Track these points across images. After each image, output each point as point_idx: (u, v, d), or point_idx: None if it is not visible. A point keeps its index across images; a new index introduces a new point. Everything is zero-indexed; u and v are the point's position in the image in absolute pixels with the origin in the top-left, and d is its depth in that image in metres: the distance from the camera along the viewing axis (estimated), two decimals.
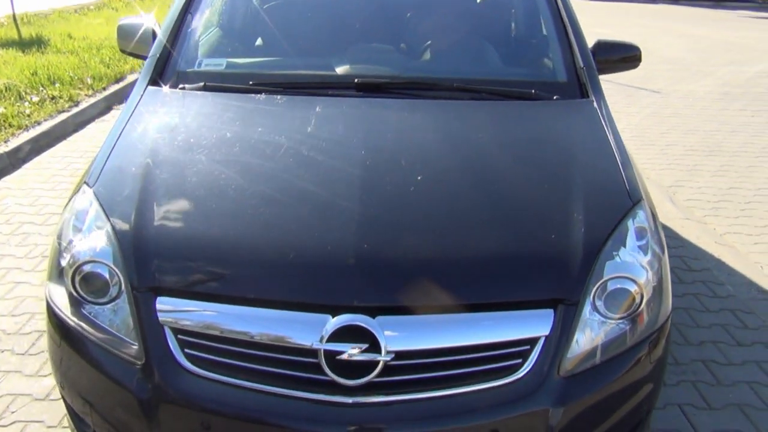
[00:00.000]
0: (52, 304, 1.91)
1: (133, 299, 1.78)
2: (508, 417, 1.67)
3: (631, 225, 1.95)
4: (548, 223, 1.89)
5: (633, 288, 1.81)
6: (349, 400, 1.66)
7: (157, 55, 2.60)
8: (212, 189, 1.97)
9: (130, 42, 2.94)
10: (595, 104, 2.44)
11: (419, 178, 2.00)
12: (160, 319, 1.75)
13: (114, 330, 1.80)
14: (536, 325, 1.73)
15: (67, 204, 2.10)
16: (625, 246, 1.89)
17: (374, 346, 1.66)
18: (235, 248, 1.80)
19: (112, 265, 1.83)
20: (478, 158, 2.14)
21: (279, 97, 2.39)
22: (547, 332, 1.72)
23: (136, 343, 1.75)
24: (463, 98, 2.46)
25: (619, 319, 1.81)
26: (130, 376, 1.74)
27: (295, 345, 1.68)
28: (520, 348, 1.73)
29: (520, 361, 1.72)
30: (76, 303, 1.87)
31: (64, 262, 1.90)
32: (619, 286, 1.81)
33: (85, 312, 1.85)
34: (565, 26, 2.73)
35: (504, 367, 1.72)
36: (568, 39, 2.68)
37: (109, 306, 1.83)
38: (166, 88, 2.49)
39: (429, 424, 1.66)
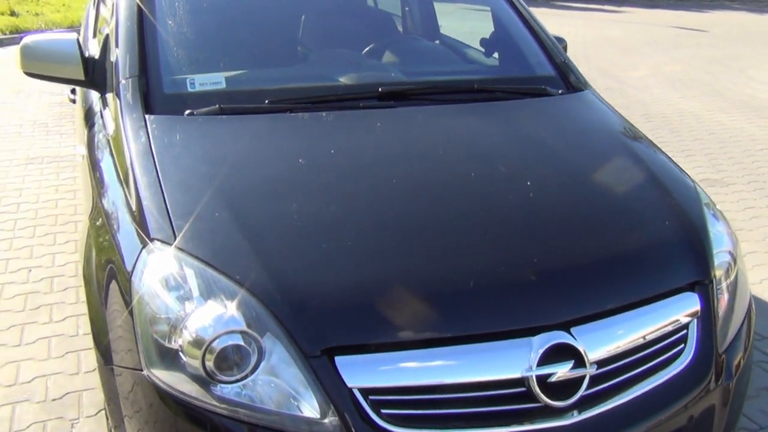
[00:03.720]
0: (177, 395, 1.54)
1: (309, 366, 1.51)
2: (698, 397, 1.73)
3: (701, 200, 2.12)
4: (657, 212, 1.97)
5: (728, 258, 1.98)
6: (568, 421, 1.59)
7: (136, 77, 2.18)
8: (337, 226, 1.74)
9: (46, 63, 2.43)
10: (595, 96, 2.58)
11: (528, 184, 1.96)
12: (347, 383, 1.51)
13: (279, 407, 1.52)
14: (687, 308, 1.81)
15: (117, 273, 1.70)
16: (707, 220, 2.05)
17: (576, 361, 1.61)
18: (408, 287, 1.61)
19: (252, 332, 1.54)
20: (550, 159, 2.15)
21: (325, 114, 2.15)
22: (698, 314, 1.81)
23: (327, 417, 1.49)
24: (477, 100, 2.44)
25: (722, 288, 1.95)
26: None
27: (501, 378, 1.57)
28: (680, 334, 1.80)
29: (683, 346, 1.79)
30: (207, 385, 1.54)
31: (179, 342, 1.54)
32: (721, 259, 1.97)
33: (230, 394, 1.53)
34: (528, 21, 2.83)
35: (674, 355, 1.77)
36: (537, 34, 2.79)
37: (248, 380, 1.54)
38: (170, 116, 2.10)
39: (639, 425, 1.66)
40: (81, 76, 2.45)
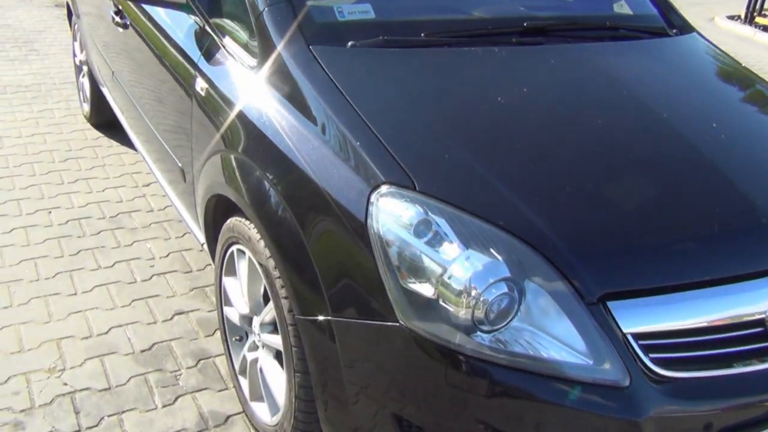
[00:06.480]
0: (445, 345, 1.47)
1: (586, 312, 1.48)
2: None
3: None
4: None
5: None
6: None
7: (282, 3, 1.98)
8: (575, 168, 1.69)
9: None
10: (704, 37, 2.61)
11: (714, 126, 1.97)
12: (623, 329, 1.49)
13: (547, 354, 1.48)
14: None
15: (331, 219, 1.60)
16: None
17: None
18: (665, 233, 1.60)
19: (516, 279, 1.48)
20: (720, 101, 2.17)
21: (497, 49, 2.05)
22: None
23: (604, 363, 1.47)
24: (604, 38, 2.40)
25: None
26: (616, 403, 1.46)
27: (746, 318, 1.60)
28: None
29: None
30: (471, 334, 1.48)
31: (440, 291, 1.47)
32: None
33: (493, 342, 1.48)
34: None
35: None
36: None
37: (511, 327, 1.49)
38: (335, 48, 1.93)
39: None
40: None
